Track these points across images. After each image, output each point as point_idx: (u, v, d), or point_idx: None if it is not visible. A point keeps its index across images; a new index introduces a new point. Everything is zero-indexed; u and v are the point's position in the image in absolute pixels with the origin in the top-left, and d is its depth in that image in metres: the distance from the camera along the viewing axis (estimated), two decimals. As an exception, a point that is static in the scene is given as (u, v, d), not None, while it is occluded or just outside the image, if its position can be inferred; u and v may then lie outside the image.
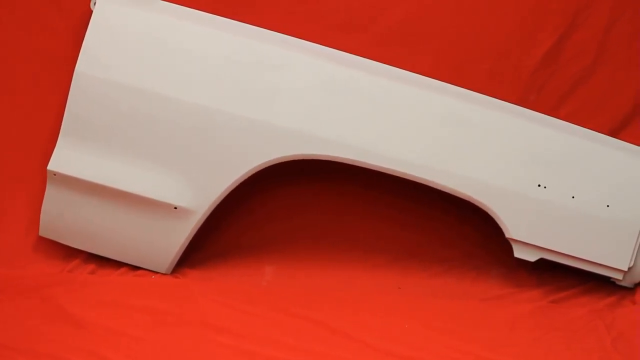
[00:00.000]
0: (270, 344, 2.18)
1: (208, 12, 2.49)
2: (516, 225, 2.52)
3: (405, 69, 2.51)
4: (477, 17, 2.73)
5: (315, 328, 2.28)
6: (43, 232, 2.52)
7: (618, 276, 2.59)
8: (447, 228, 2.82)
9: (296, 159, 2.46)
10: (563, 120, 2.60)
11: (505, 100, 2.55)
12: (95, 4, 2.44)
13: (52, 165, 2.43)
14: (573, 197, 2.52)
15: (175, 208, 2.46)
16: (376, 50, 2.61)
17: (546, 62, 2.74)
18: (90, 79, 2.41)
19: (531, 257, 2.56)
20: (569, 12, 2.72)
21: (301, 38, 2.50)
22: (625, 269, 2.56)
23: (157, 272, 2.54)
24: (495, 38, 2.73)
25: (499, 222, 2.53)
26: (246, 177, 2.46)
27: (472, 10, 2.72)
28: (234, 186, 2.47)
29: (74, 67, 2.41)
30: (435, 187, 2.51)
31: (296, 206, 2.80)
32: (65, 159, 2.44)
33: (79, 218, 2.49)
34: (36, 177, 2.57)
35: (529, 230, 2.53)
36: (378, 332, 2.29)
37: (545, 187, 2.51)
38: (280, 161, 2.45)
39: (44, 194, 2.48)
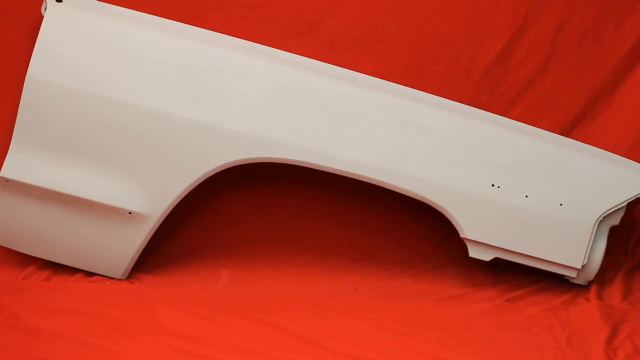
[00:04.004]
0: (227, 349, 2.18)
1: (160, 16, 2.47)
2: (470, 225, 2.54)
3: (359, 72, 2.51)
4: (429, 19, 2.75)
5: (273, 332, 2.28)
6: (-4, 239, 2.50)
7: (572, 274, 2.62)
8: (402, 229, 2.84)
9: (250, 162, 2.45)
10: (515, 120, 2.62)
11: (457, 101, 2.57)
12: (45, 9, 2.42)
13: (4, 172, 2.41)
14: (526, 197, 2.54)
15: (130, 213, 2.45)
16: (329, 53, 2.63)
17: (498, 63, 2.76)
18: (42, 84, 2.39)
19: (486, 256, 2.58)
20: (520, 13, 2.76)
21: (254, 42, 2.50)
22: (579, 267, 2.59)
23: (112, 278, 2.53)
24: (447, 40, 2.76)
25: (453, 223, 2.54)
26: (201, 181, 2.46)
27: (424, 12, 2.74)
28: (188, 190, 2.46)
29: (26, 73, 2.38)
30: (390, 188, 2.51)
31: (251, 209, 2.80)
32: (17, 165, 2.41)
33: (33, 225, 2.47)
34: (-12, 184, 2.54)
35: (483, 230, 2.55)
36: (335, 334, 2.29)
37: (499, 187, 2.53)
38: (234, 165, 2.44)
39: (-5, 201, 2.45)
